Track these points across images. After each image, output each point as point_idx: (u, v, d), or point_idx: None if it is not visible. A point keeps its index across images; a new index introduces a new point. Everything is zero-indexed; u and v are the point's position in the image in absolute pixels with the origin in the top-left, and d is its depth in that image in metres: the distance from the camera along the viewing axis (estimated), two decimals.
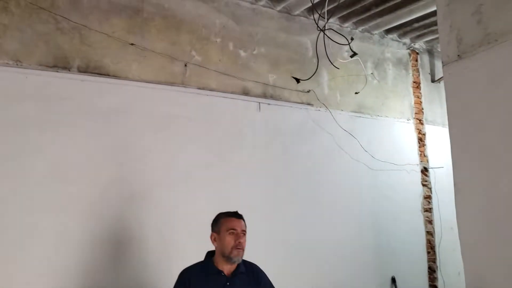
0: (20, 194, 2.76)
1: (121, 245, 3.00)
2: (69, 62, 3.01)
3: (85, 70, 3.04)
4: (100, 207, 2.96)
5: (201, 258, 2.43)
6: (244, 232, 2.36)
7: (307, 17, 4.00)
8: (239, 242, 2.31)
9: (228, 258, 2.31)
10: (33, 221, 2.77)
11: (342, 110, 4.05)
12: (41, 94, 2.91)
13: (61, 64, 2.98)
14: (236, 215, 2.40)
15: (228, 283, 2.29)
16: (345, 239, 3.79)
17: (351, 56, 3.93)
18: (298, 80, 3.82)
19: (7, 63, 2.85)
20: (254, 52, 3.71)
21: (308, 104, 3.86)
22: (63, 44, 3.01)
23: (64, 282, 2.78)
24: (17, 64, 2.87)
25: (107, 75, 3.11)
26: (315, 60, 3.87)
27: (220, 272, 2.31)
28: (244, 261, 2.42)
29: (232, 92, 3.53)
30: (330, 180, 3.84)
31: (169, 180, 3.19)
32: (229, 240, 2.31)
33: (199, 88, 3.41)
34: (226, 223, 2.36)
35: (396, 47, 4.62)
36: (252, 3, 3.77)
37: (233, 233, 2.32)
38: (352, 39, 3.71)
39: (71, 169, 2.92)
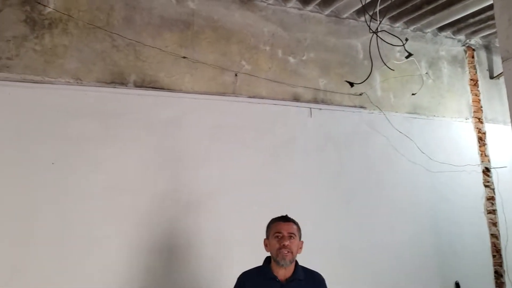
0: (83, 207, 2.91)
1: (178, 252, 3.07)
2: (125, 78, 3.14)
3: (141, 84, 3.16)
4: (157, 216, 3.06)
5: (256, 264, 2.43)
6: (291, 234, 2.31)
7: (356, 20, 3.95)
8: (283, 244, 2.27)
9: (277, 262, 2.30)
10: (97, 231, 2.90)
11: (396, 112, 3.95)
12: (100, 109, 3.05)
13: (118, 80, 3.12)
14: (283, 219, 2.38)
15: None
16: (404, 243, 3.68)
17: (407, 57, 3.84)
18: (351, 84, 3.77)
19: (68, 82, 3.01)
20: (304, 58, 3.71)
21: (361, 107, 3.80)
22: (119, 60, 3.14)
23: (121, 286, 2.90)
24: (77, 82, 3.03)
25: (161, 88, 3.22)
26: (366, 63, 3.82)
27: (275, 277, 2.29)
28: (305, 269, 2.39)
29: (282, 99, 3.54)
30: (386, 183, 3.75)
31: (223, 188, 3.23)
32: (274, 243, 2.30)
33: (250, 97, 3.45)
34: (273, 227, 2.36)
35: (451, 45, 4.47)
36: (299, 9, 3.78)
37: (278, 236, 2.30)
38: (406, 39, 3.62)
39: (130, 180, 3.04)
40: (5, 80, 2.88)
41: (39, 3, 3.01)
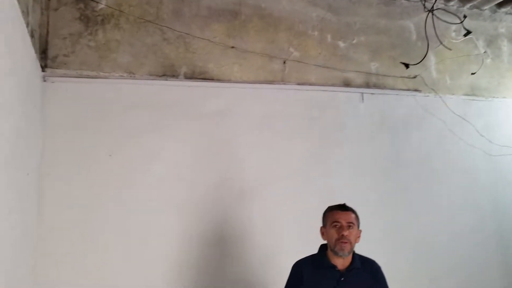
0: (141, 197, 3.00)
1: (231, 241, 3.11)
2: (176, 70, 3.19)
3: (191, 76, 3.20)
4: (211, 205, 3.11)
5: (309, 252, 2.41)
6: (350, 224, 2.26)
7: (408, 0, 3.80)
8: (342, 235, 2.23)
9: (334, 252, 2.27)
10: (155, 221, 2.99)
11: (453, 94, 3.78)
12: (153, 102, 3.12)
13: (169, 73, 3.17)
14: (341, 207, 2.33)
15: (342, 278, 2.24)
16: (464, 231, 3.52)
17: (465, 35, 3.65)
18: (407, 66, 3.63)
19: (121, 76, 3.10)
20: (354, 42, 3.61)
21: (415, 90, 3.66)
22: (170, 53, 3.19)
23: (179, 275, 2.99)
24: (130, 76, 3.11)
25: (211, 79, 3.24)
26: (420, 44, 3.67)
27: (334, 266, 2.27)
28: (361, 257, 2.35)
29: (332, 85, 3.47)
30: (444, 168, 3.60)
31: (274, 176, 3.23)
32: (333, 233, 2.26)
33: (299, 84, 3.41)
34: (331, 216, 2.32)
35: (511, 21, 4.21)
36: None
37: (336, 226, 2.26)
38: (465, 16, 3.43)
39: (184, 170, 3.10)
40: (63, 76, 3.00)
41: (92, 0, 3.10)
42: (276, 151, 3.27)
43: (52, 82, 2.98)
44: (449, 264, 3.41)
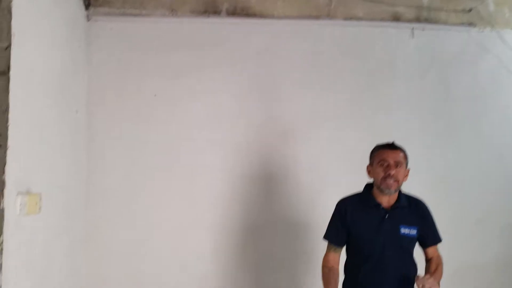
0: (185, 136, 3.06)
1: (275, 180, 3.14)
2: (218, 7, 3.11)
3: (233, 12, 3.12)
4: (254, 145, 3.12)
5: (355, 191, 2.40)
6: (398, 163, 2.20)
7: None
8: (389, 174, 2.19)
9: (380, 190, 2.24)
10: (199, 159, 3.07)
11: None
12: (196, 40, 3.09)
13: (211, 9, 3.10)
14: (390, 146, 2.27)
15: (387, 216, 2.23)
16: None
17: None
18: None
19: (164, 14, 3.06)
20: None
21: (470, 24, 3.42)
22: None
23: (223, 209, 3.08)
24: (172, 13, 3.07)
25: (253, 15, 3.14)
26: None
27: (379, 205, 2.25)
28: (408, 196, 2.32)
29: (381, 20, 3.28)
30: (497, 109, 3.42)
31: (319, 115, 3.17)
32: (379, 172, 2.22)
33: (345, 19, 3.25)
34: (378, 154, 2.26)
35: None
36: None
37: (383, 164, 2.22)
38: None
39: (227, 110, 3.11)
40: (106, 15, 3.00)
41: None
42: (321, 90, 3.19)
43: (96, 21, 2.99)
44: (496, 206, 3.32)
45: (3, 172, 1.72)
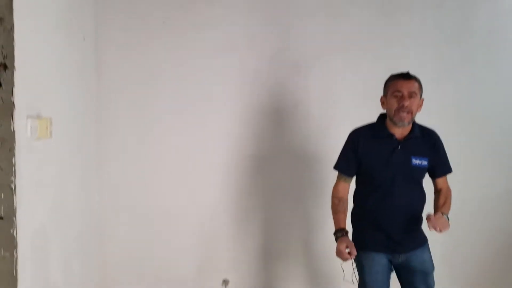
0: (194, 65, 3.01)
1: (286, 112, 3.12)
2: None
3: None
4: (266, 75, 3.08)
5: (367, 122, 2.37)
6: (412, 93, 2.15)
7: None
8: (402, 105, 2.14)
9: (394, 122, 2.20)
10: (208, 89, 3.03)
11: None
12: None
13: None
14: (404, 76, 2.20)
15: (399, 147, 2.21)
16: None
17: None
18: None
19: None
20: None
21: None
22: None
23: (234, 140, 3.09)
24: None
25: None
26: None
27: (392, 135, 2.22)
28: (421, 126, 2.29)
29: None
30: None
31: (332, 47, 3.08)
32: (393, 103, 2.17)
33: None
34: (392, 85, 2.21)
35: None
36: None
37: (397, 95, 2.16)
38: None
39: (237, 39, 3.04)
40: None
41: None
42: (334, 19, 3.08)
43: None
44: (509, 140, 3.28)
45: (12, 94, 1.70)
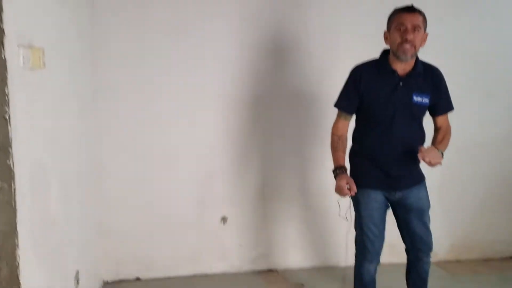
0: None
1: (286, 50, 3.06)
2: None
3: None
4: (265, 13, 3.00)
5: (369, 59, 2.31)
6: (415, 27, 2.08)
7: None
8: (406, 38, 2.07)
9: (397, 57, 2.14)
10: (204, 26, 2.96)
11: None
12: None
13: None
14: (408, 9, 2.12)
15: (401, 83, 2.17)
16: None
17: None
18: None
19: None
20: None
21: None
22: None
23: (232, 80, 3.05)
24: None
25: None
26: None
27: (394, 71, 2.18)
28: (424, 63, 2.24)
29: None
30: None
31: None
32: (396, 37, 2.11)
33: None
34: (396, 18, 2.13)
35: None
36: None
37: (400, 28, 2.09)
38: None
39: None
40: None
41: None
42: None
43: None
44: (507, 80, 3.25)
45: (1, 20, 1.62)
